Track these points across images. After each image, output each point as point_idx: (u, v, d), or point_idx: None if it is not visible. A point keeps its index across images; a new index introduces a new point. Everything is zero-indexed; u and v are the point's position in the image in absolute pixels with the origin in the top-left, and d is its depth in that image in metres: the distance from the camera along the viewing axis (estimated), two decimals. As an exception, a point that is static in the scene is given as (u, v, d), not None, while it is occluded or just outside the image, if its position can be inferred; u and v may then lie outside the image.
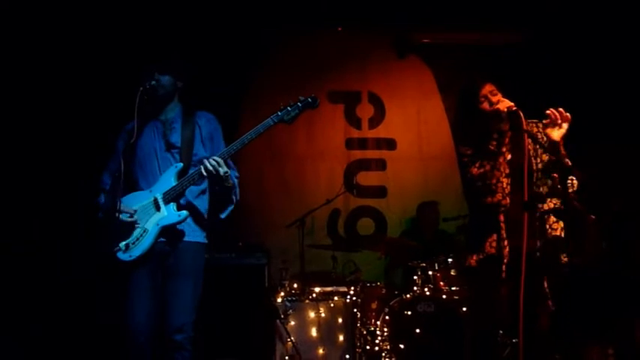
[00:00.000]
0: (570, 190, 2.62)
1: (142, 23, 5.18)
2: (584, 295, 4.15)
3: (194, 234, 2.95)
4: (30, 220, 4.83)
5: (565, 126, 2.67)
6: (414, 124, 6.15)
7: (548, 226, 2.75)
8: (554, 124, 2.67)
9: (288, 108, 2.86)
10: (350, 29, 5.98)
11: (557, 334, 2.82)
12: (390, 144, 6.12)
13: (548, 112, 2.68)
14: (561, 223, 2.77)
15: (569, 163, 2.67)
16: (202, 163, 2.78)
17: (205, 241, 3.02)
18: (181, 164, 2.89)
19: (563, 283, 2.79)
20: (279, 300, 4.50)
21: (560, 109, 2.64)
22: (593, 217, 3.14)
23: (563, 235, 2.76)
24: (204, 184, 3.01)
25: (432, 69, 6.19)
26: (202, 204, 3.02)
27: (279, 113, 2.85)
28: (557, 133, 2.68)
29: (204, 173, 2.78)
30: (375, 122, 6.14)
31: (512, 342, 2.64)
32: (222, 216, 3.02)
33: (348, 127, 6.10)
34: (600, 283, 4.35)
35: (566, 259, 2.75)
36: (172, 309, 2.83)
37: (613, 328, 4.33)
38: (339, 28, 5.97)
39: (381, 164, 6.10)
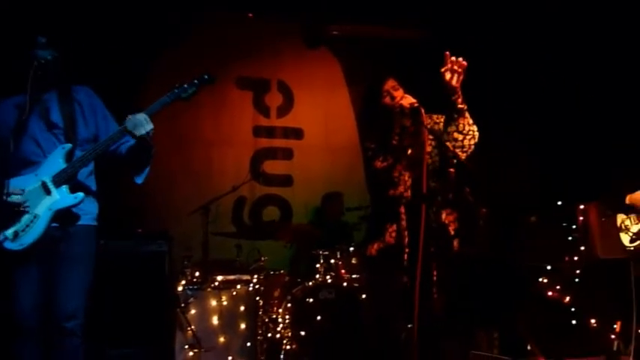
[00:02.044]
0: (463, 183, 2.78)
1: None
2: (473, 283, 4.43)
3: (85, 217, 2.83)
4: None
5: (462, 73, 2.76)
6: (322, 114, 6.24)
7: (443, 217, 2.90)
8: (452, 71, 2.76)
9: (185, 85, 2.81)
10: (261, 16, 5.93)
11: (449, 319, 2.98)
12: (297, 133, 6.17)
13: (446, 56, 2.76)
14: (455, 215, 2.93)
15: (462, 157, 2.84)
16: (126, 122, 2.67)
17: (96, 223, 2.90)
18: (69, 145, 2.75)
19: (455, 271, 2.95)
20: (180, 288, 4.42)
21: (459, 59, 2.75)
22: (485, 209, 3.35)
23: (456, 225, 2.93)
24: (92, 165, 2.89)
25: (341, 61, 6.30)
26: (91, 185, 2.90)
27: (176, 90, 2.79)
28: (455, 79, 2.77)
29: (133, 131, 2.67)
30: (283, 111, 6.15)
31: (408, 327, 2.76)
32: (140, 180, 2.91)
33: (256, 114, 6.07)
34: (488, 272, 4.66)
35: (458, 248, 2.92)
36: (63, 295, 2.70)
37: (498, 313, 4.66)
38: (250, 15, 5.90)
39: (287, 153, 6.13)
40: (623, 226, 4.00)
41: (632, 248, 3.92)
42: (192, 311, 4.35)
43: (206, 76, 2.86)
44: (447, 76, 2.77)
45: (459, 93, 2.81)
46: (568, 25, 5.35)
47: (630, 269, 3.96)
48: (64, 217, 2.73)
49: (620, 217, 4.03)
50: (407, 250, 2.85)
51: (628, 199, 3.90)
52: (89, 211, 2.85)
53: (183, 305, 4.30)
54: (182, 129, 5.71)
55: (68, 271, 2.73)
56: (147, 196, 5.34)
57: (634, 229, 3.91)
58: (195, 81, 2.83)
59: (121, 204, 5.23)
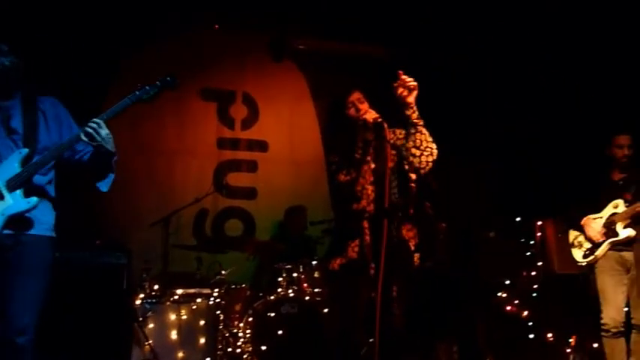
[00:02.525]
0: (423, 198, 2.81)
1: None
2: (433, 297, 4.47)
3: (41, 227, 2.73)
4: None
5: (415, 91, 2.82)
6: (287, 127, 6.24)
7: (404, 232, 2.92)
8: (407, 88, 2.82)
9: (147, 87, 2.76)
10: (227, 28, 5.92)
11: (409, 332, 3.00)
12: (262, 146, 6.15)
13: (399, 73, 2.82)
14: (415, 230, 2.96)
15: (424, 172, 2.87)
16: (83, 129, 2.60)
17: (53, 234, 2.81)
18: (26, 150, 2.67)
19: (416, 285, 2.98)
20: (138, 302, 4.32)
21: (409, 80, 2.81)
22: (444, 224, 3.40)
23: (416, 239, 2.95)
24: (52, 174, 2.81)
25: (306, 75, 6.33)
26: (49, 194, 2.81)
27: (137, 92, 2.74)
28: (407, 95, 2.82)
29: (84, 138, 2.60)
30: (248, 123, 6.12)
31: (369, 341, 2.76)
32: (104, 188, 2.83)
33: (221, 126, 6.03)
34: (448, 285, 4.72)
35: (418, 262, 2.94)
36: (13, 309, 2.59)
37: (458, 327, 4.71)
38: (216, 26, 5.88)
39: (252, 166, 6.10)
40: (575, 242, 4.09)
41: (584, 264, 4.02)
42: (151, 325, 4.26)
43: (169, 78, 2.81)
44: (399, 90, 2.82)
45: (414, 108, 2.85)
46: (528, 46, 5.52)
47: (584, 284, 4.06)
48: (17, 223, 2.63)
49: (573, 234, 4.13)
50: (369, 264, 2.85)
51: (583, 222, 4.01)
52: (45, 221, 2.75)
53: (141, 319, 4.21)
54: (144, 138, 5.62)
55: (20, 284, 2.63)
56: (105, 207, 5.22)
57: (587, 244, 4.01)
58: (158, 82, 2.78)
59: (78, 214, 5.11)
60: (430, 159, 2.88)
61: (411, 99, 2.83)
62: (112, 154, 2.74)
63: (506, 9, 5.26)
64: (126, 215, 5.44)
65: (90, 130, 2.60)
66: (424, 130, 2.88)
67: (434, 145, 2.89)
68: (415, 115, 2.86)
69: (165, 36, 5.76)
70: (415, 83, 2.81)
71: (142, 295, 4.40)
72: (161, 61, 5.69)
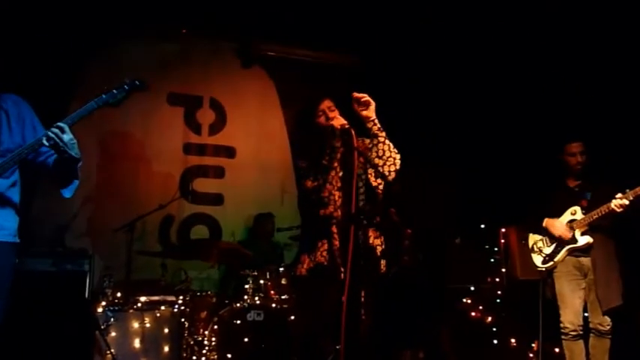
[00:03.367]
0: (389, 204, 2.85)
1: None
2: (399, 302, 4.50)
3: (2, 232, 2.64)
4: None
5: (371, 105, 2.94)
6: (255, 133, 6.21)
7: (371, 238, 2.94)
8: (364, 104, 2.93)
9: (114, 90, 2.69)
10: (195, 33, 5.88)
11: (375, 339, 3.00)
12: (229, 152, 6.11)
13: (356, 95, 2.94)
14: (381, 236, 2.98)
15: (391, 179, 2.91)
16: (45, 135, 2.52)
17: (16, 240, 2.72)
18: None
19: (381, 290, 2.99)
20: (100, 310, 4.22)
21: (362, 96, 2.93)
22: (410, 230, 3.43)
23: (382, 246, 2.98)
24: (15, 177, 2.72)
25: (275, 82, 6.32)
26: (12, 199, 2.72)
27: (104, 96, 2.67)
28: (371, 112, 2.94)
29: (46, 142, 2.52)
30: (215, 129, 6.08)
31: (336, 348, 2.75)
32: (68, 194, 2.75)
33: (187, 131, 5.97)
34: (414, 291, 4.76)
35: (384, 268, 2.96)
36: None
37: (423, 332, 4.75)
38: (184, 30, 5.83)
39: (219, 172, 6.05)
40: (535, 247, 4.18)
41: (543, 269, 4.10)
42: (113, 334, 4.17)
43: (137, 82, 2.76)
44: (355, 107, 2.94)
45: (374, 121, 2.95)
46: (487, 58, 5.64)
47: (541, 289, 4.14)
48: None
49: (533, 238, 4.22)
50: (338, 269, 2.86)
51: (545, 223, 4.09)
52: (7, 227, 2.66)
53: (102, 327, 4.11)
54: (108, 142, 5.52)
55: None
56: (68, 212, 5.11)
57: (547, 250, 4.10)
58: (125, 86, 2.73)
59: (40, 219, 4.98)
60: (393, 168, 2.95)
61: (369, 113, 2.94)
62: (76, 160, 2.67)
63: (468, 19, 5.38)
64: (89, 221, 5.32)
65: (52, 135, 2.52)
66: (386, 141, 2.96)
67: (397, 155, 2.96)
68: (376, 128, 2.96)
69: (132, 38, 5.69)
70: (368, 98, 2.93)
71: (104, 303, 4.30)
72: (128, 64, 5.61)
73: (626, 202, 3.71)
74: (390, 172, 2.94)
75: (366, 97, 2.93)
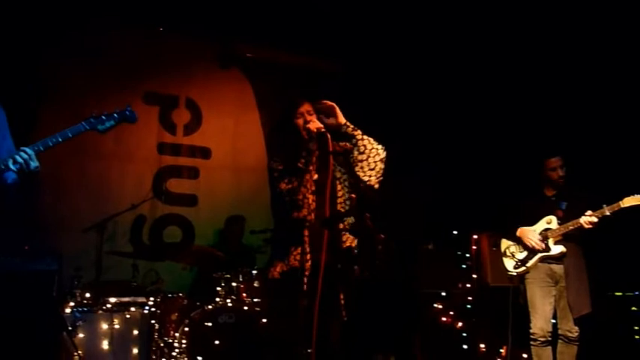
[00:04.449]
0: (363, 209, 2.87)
1: None
2: (372, 308, 4.51)
3: None
4: None
5: (335, 110, 3.01)
6: (230, 135, 6.18)
7: (344, 242, 2.95)
8: (330, 113, 3.02)
9: (103, 117, 2.66)
10: (173, 32, 5.82)
11: (346, 343, 3.01)
12: (204, 153, 6.06)
13: (321, 105, 3.02)
14: (355, 240, 2.99)
15: (365, 184, 2.92)
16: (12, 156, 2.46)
17: None
18: None
19: (354, 294, 3.00)
20: (68, 310, 4.14)
21: (325, 103, 3.02)
22: (383, 235, 3.45)
23: (356, 250, 2.99)
24: None
25: (253, 84, 6.30)
26: None
27: (92, 120, 2.66)
28: (340, 118, 3.01)
29: (12, 167, 2.46)
30: (190, 129, 6.02)
31: (307, 352, 2.75)
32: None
33: (162, 131, 5.90)
34: (386, 296, 4.78)
35: (358, 273, 2.97)
36: None
37: (394, 337, 4.78)
38: (160, 29, 5.77)
39: (193, 172, 6.00)
40: (507, 252, 4.23)
41: (514, 274, 4.15)
42: (81, 335, 4.09)
43: (127, 112, 2.72)
44: (322, 118, 3.00)
45: (346, 124, 3.01)
46: (464, 65, 5.72)
47: (515, 296, 4.20)
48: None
49: (506, 243, 4.27)
50: (307, 273, 2.86)
51: (518, 232, 4.15)
52: None
53: (70, 328, 4.03)
54: (79, 139, 5.35)
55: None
56: (36, 210, 4.99)
57: (519, 255, 4.16)
58: (116, 115, 2.69)
59: (4, 217, 4.85)
60: (378, 159, 2.99)
61: (339, 119, 3.00)
62: (33, 181, 2.61)
63: (445, 25, 5.45)
64: (57, 219, 5.20)
65: (20, 160, 2.49)
66: (364, 137, 3.01)
67: (379, 146, 3.01)
68: (350, 129, 3.01)
69: (109, 35, 5.58)
70: (330, 103, 3.01)
71: (72, 304, 4.22)
72: (103, 61, 5.52)
73: (595, 219, 3.79)
74: (376, 162, 2.97)
75: (327, 103, 3.00)
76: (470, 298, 5.16)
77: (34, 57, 5.17)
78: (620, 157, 4.76)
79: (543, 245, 4.02)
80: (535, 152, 4.27)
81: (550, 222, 4.07)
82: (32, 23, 5.08)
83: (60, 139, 2.56)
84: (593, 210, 3.82)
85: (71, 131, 2.60)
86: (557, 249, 4.01)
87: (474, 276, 5.23)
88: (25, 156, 2.48)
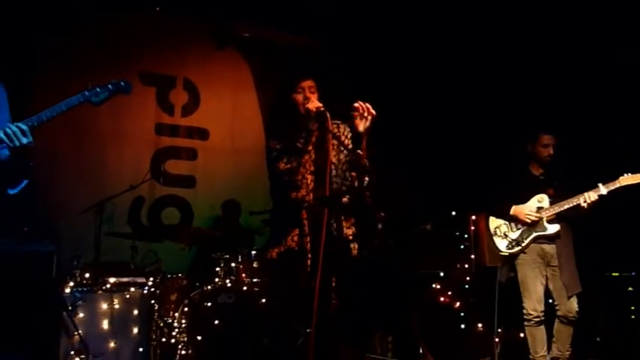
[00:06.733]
0: (364, 187, 2.84)
1: None
2: (370, 287, 4.54)
3: None
4: None
5: (370, 119, 2.78)
6: (229, 116, 6.15)
7: (343, 222, 2.94)
8: (361, 116, 2.78)
9: (97, 89, 2.63)
10: (170, 12, 5.75)
11: (344, 322, 3.02)
12: (202, 134, 6.03)
13: (356, 104, 2.78)
14: (353, 219, 2.99)
15: (367, 163, 2.88)
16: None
17: None
18: None
19: (352, 274, 3.01)
20: (68, 290, 4.16)
21: (368, 105, 2.78)
22: (383, 214, 3.44)
23: (354, 229, 2.98)
24: None
25: (250, 64, 6.25)
26: None
27: (87, 93, 2.61)
28: (362, 126, 2.78)
29: (2, 136, 2.43)
30: (188, 110, 6.00)
31: (306, 332, 2.77)
32: (13, 191, 2.68)
33: (160, 112, 5.87)
34: (384, 276, 4.80)
35: (356, 252, 2.97)
36: None
37: (393, 318, 4.81)
38: (157, 9, 5.71)
39: (191, 153, 5.98)
40: (498, 232, 4.21)
41: (507, 254, 4.15)
42: (81, 315, 4.11)
43: (122, 83, 2.69)
44: (356, 121, 2.78)
45: (362, 141, 2.80)
46: (456, 45, 5.68)
47: (499, 273, 4.21)
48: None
49: (495, 222, 4.25)
50: (309, 255, 2.85)
51: (513, 211, 4.13)
52: None
53: (70, 308, 4.05)
54: (75, 119, 5.33)
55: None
56: (34, 191, 4.96)
57: (512, 235, 4.15)
58: (110, 86, 2.65)
59: (4, 199, 4.84)
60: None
61: (363, 129, 2.77)
62: (28, 165, 2.60)
63: (434, 10, 5.40)
64: (55, 201, 5.19)
65: (9, 132, 2.43)
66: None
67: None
68: (364, 147, 2.80)
69: (103, 17, 5.52)
70: (374, 112, 2.75)
71: (71, 284, 4.24)
72: (100, 41, 5.47)
73: (595, 198, 3.77)
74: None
75: (369, 109, 2.77)
76: (468, 278, 5.18)
77: (30, 35, 5.12)
78: (604, 141, 4.75)
79: (539, 216, 3.98)
80: (528, 131, 4.24)
81: (542, 200, 4.05)
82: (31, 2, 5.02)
83: (54, 114, 2.53)
84: (587, 190, 3.81)
85: (65, 104, 2.56)
86: (553, 228, 3.98)
87: (472, 256, 5.25)
88: (15, 129, 2.45)
